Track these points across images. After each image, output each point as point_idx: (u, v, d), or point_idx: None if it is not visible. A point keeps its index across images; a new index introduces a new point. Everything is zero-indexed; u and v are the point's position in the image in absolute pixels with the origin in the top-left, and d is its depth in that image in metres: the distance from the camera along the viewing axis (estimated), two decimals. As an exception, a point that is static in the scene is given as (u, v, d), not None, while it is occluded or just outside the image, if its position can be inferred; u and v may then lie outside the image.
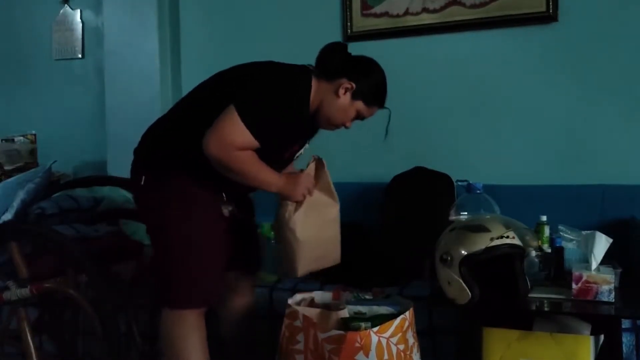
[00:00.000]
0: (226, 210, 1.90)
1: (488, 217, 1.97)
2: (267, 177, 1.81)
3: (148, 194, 1.86)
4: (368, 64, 1.91)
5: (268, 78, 1.80)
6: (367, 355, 1.71)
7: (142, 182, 1.85)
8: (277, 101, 1.75)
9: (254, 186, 1.84)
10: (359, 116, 1.91)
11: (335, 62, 1.86)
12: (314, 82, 1.84)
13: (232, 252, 1.92)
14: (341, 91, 1.84)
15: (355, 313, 1.89)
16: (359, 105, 1.88)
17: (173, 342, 1.86)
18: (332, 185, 1.96)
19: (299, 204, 1.87)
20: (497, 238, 1.80)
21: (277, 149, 1.86)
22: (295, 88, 1.80)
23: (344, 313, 1.88)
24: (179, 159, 1.82)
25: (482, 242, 1.80)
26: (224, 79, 1.89)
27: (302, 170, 1.93)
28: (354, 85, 1.84)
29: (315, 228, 1.89)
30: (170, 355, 1.88)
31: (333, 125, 1.91)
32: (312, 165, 1.94)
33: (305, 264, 1.89)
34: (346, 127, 1.92)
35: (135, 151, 1.92)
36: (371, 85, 1.88)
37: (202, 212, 1.84)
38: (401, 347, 1.78)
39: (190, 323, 1.85)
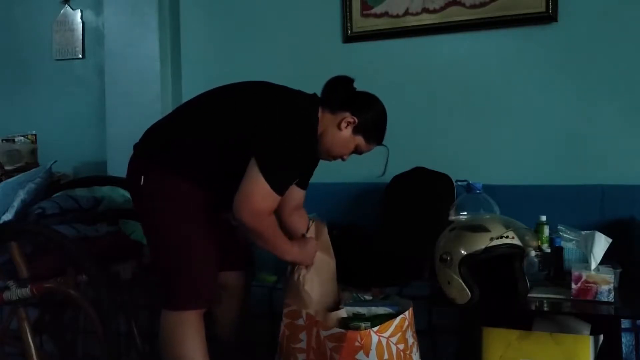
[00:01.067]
0: (226, 215, 1.92)
1: (488, 217, 1.97)
2: (285, 247, 1.88)
3: (147, 194, 1.86)
4: (371, 101, 1.95)
5: (286, 121, 1.80)
6: (367, 354, 1.72)
7: (142, 182, 1.85)
8: (297, 148, 1.79)
9: (271, 252, 1.90)
10: (357, 151, 1.95)
11: (340, 95, 1.90)
12: (319, 112, 1.88)
13: (222, 252, 1.94)
14: (343, 125, 1.88)
15: (354, 314, 1.90)
16: (359, 140, 1.91)
17: (174, 345, 1.86)
18: (329, 243, 2.06)
19: (307, 267, 1.95)
20: (497, 238, 1.80)
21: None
22: (310, 127, 1.85)
23: (342, 313, 1.89)
24: (187, 167, 1.83)
25: (481, 242, 1.80)
26: (237, 104, 1.88)
27: (303, 236, 2.00)
28: (356, 120, 1.88)
29: (321, 285, 1.98)
30: (171, 358, 1.87)
31: (331, 157, 1.95)
32: (313, 228, 2.03)
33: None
34: (343, 160, 1.96)
35: (138, 150, 1.92)
36: (373, 122, 1.92)
37: (200, 213, 1.85)
38: (401, 346, 1.78)
39: (191, 324, 1.85)
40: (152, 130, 1.94)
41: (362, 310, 1.91)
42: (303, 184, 2.04)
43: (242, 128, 1.81)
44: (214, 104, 1.91)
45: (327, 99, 1.90)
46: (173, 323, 1.86)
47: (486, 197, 2.18)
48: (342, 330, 1.75)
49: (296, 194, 2.02)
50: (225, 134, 1.82)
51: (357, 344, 1.72)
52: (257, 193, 1.72)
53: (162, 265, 1.89)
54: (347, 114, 1.87)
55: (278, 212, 1.88)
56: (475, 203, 2.16)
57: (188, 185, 1.82)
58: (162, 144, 1.88)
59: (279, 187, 1.74)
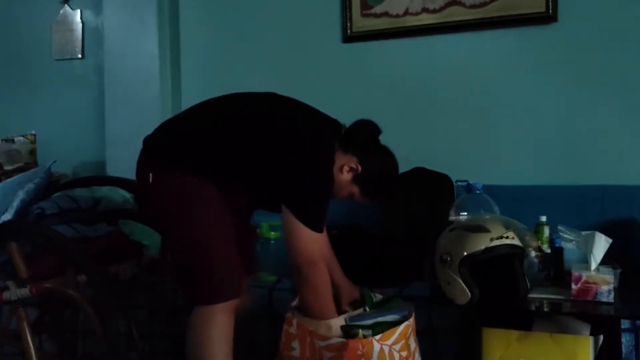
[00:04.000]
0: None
1: (488, 217, 1.97)
2: (330, 309, 1.84)
3: (161, 190, 1.82)
4: (385, 156, 1.92)
5: (313, 154, 1.78)
6: (369, 363, 1.70)
7: (154, 180, 1.81)
8: (322, 180, 1.78)
9: (311, 308, 1.83)
10: (351, 197, 1.91)
11: (359, 138, 1.86)
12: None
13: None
14: (346, 168, 1.85)
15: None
16: (355, 189, 1.88)
17: (200, 343, 1.80)
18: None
19: None
20: (497, 238, 1.80)
21: None
22: (332, 159, 1.82)
23: (340, 321, 1.84)
24: (209, 169, 1.80)
25: (482, 243, 1.80)
26: (266, 123, 1.84)
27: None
28: (360, 169, 1.85)
29: None
30: (196, 357, 1.81)
31: None
32: None
33: None
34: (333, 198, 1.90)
35: (154, 150, 1.87)
36: (376, 178, 1.89)
37: (219, 208, 1.81)
38: (404, 354, 1.77)
39: (221, 322, 1.79)
40: (176, 134, 1.88)
41: (364, 322, 1.85)
42: None
43: (269, 149, 1.78)
44: (239, 121, 1.84)
45: (345, 137, 1.86)
46: (203, 320, 1.79)
47: (486, 197, 2.17)
48: (342, 340, 1.72)
49: None
50: (253, 150, 1.79)
51: (358, 352, 1.70)
52: (305, 240, 1.72)
53: (185, 262, 1.84)
54: (355, 160, 1.84)
55: None
56: (475, 203, 2.16)
57: (206, 184, 1.78)
58: (182, 142, 1.84)
59: (319, 226, 1.74)
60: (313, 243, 1.74)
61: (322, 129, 1.85)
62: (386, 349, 1.73)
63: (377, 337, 1.73)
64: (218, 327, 1.78)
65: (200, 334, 1.80)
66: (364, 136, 1.87)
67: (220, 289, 1.79)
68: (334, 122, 1.89)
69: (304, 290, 1.80)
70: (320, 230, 1.75)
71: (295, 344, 1.83)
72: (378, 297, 2.02)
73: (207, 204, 1.80)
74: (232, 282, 1.81)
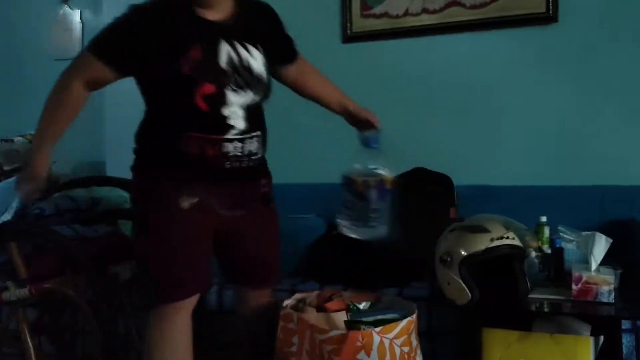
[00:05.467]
0: (186, 203, 1.75)
1: (487, 217, 1.97)
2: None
3: (135, 193, 1.86)
4: None
5: None
6: (368, 354, 1.70)
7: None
8: None
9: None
10: None
11: None
12: None
13: (206, 244, 1.81)
14: None
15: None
16: None
17: (151, 344, 1.79)
18: None
19: None
20: (497, 239, 1.80)
21: None
22: None
23: (343, 315, 1.86)
24: (153, 157, 1.78)
25: (482, 243, 1.80)
26: None
27: None
28: None
29: None
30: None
31: None
32: None
33: None
34: None
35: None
36: None
37: (172, 203, 1.72)
38: (406, 349, 1.77)
39: (173, 323, 1.77)
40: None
41: (366, 318, 1.84)
42: None
43: None
44: None
45: None
46: (154, 320, 1.79)
47: (382, 152, 1.93)
48: (342, 332, 1.73)
49: None
50: None
51: (358, 343, 1.70)
52: None
53: (144, 262, 1.84)
54: None
55: None
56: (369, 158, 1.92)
57: (156, 177, 1.75)
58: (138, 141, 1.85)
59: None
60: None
61: None
62: (386, 342, 1.72)
63: (378, 329, 1.73)
64: (170, 326, 1.78)
65: (152, 334, 1.81)
66: None
67: (166, 288, 1.77)
68: None
69: None
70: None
71: (295, 339, 1.83)
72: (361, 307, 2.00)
73: (163, 198, 1.77)
74: (178, 282, 1.75)
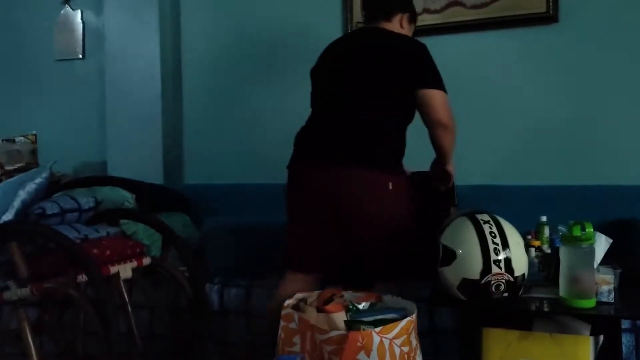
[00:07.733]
0: None
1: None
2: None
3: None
4: None
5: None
6: (368, 355, 1.71)
7: (390, 187, 2.04)
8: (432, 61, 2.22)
9: (447, 154, 2.20)
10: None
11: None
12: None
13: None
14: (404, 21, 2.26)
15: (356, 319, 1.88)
16: (413, 28, 2.30)
17: None
18: None
19: None
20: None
21: None
22: None
23: (343, 315, 1.87)
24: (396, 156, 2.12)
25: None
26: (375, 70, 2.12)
27: None
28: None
29: None
30: None
31: None
32: None
33: None
34: None
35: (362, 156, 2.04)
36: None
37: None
38: (405, 349, 1.77)
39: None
40: (360, 135, 2.06)
41: (366, 318, 1.87)
42: None
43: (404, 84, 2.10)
44: (372, 86, 2.10)
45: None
46: None
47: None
48: (343, 332, 1.73)
49: None
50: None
51: (358, 344, 1.71)
52: (444, 103, 2.07)
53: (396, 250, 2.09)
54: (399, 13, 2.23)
55: None
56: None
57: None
58: (383, 144, 2.08)
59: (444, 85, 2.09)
60: (447, 105, 2.08)
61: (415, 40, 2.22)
62: (386, 342, 1.73)
63: (377, 329, 1.73)
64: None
65: None
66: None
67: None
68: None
69: (449, 138, 2.14)
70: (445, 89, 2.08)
71: (297, 339, 1.84)
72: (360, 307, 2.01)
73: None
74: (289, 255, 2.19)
